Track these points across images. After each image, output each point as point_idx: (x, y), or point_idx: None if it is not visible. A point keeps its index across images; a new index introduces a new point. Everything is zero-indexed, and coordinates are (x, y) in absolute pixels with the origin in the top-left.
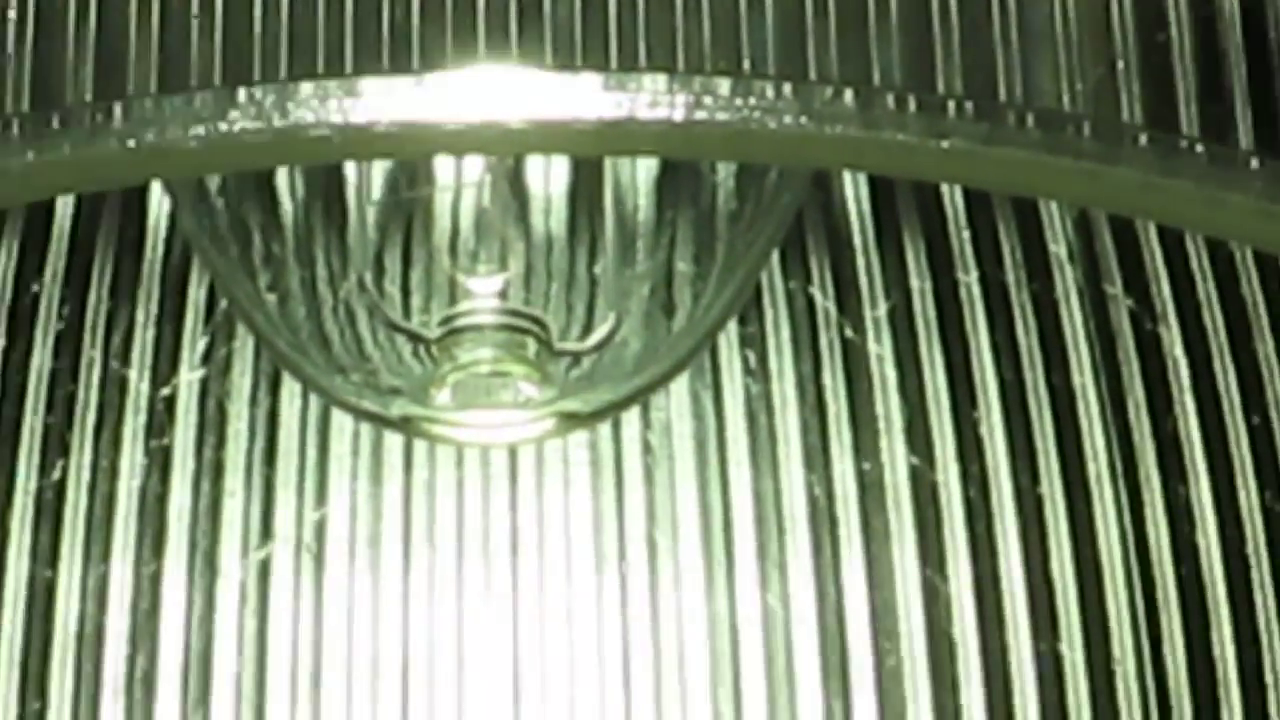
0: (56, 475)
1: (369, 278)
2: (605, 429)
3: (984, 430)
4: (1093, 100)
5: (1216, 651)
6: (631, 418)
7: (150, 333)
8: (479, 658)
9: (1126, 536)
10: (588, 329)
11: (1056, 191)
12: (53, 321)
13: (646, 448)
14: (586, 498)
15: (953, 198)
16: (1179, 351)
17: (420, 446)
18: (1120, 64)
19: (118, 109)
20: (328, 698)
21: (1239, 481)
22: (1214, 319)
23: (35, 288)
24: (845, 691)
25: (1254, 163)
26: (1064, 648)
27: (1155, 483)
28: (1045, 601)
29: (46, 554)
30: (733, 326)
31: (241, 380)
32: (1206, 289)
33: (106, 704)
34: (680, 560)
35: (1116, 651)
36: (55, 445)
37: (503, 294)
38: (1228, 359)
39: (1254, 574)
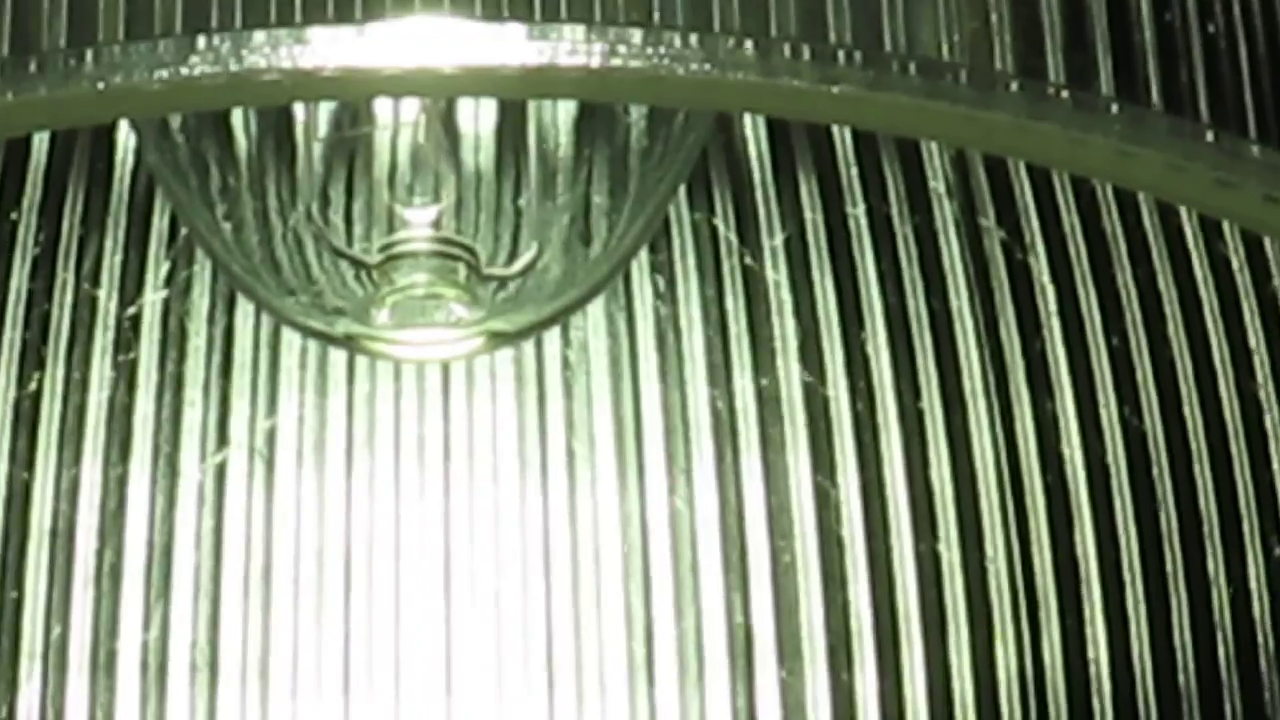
0: (32, 386)
1: (315, 208)
2: (529, 347)
3: (870, 350)
4: (968, 51)
5: (1079, 551)
6: (552, 337)
7: (118, 258)
8: (414, 552)
9: (998, 446)
10: (513, 256)
11: (936, 133)
12: (29, 247)
13: (566, 364)
14: (511, 409)
15: (842, 138)
16: (1046, 279)
17: (362, 362)
18: (993, 17)
19: (89, 54)
20: (277, 588)
21: (1099, 397)
22: (1078, 249)
23: (14, 216)
24: (744, 585)
25: (1113, 108)
26: (941, 547)
27: (1024, 398)
28: (925, 505)
29: (23, 457)
30: (644, 254)
31: (200, 301)
32: (1071, 222)
33: (77, 593)
34: (596, 466)
35: (989, 550)
36: (31, 359)
37: (436, 224)
38: (1090, 286)
39: (1113, 481)
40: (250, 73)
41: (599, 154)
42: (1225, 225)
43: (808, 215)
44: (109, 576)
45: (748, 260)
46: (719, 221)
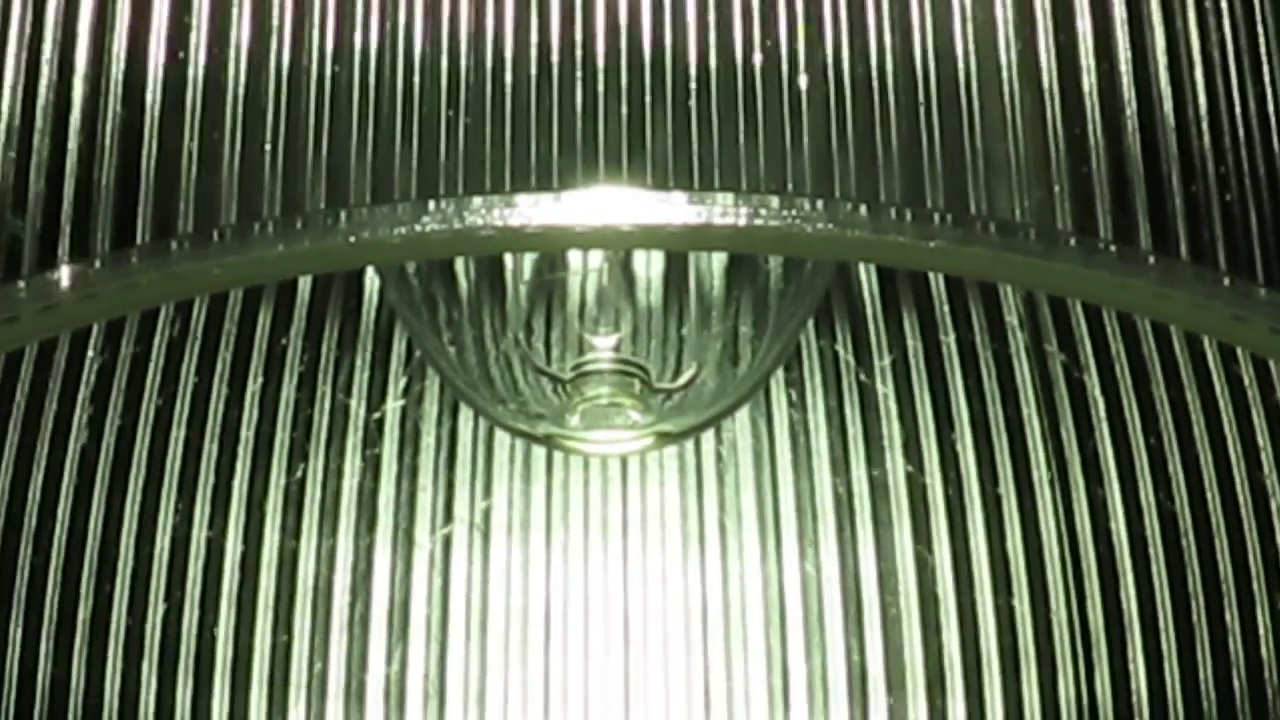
0: (299, 475)
1: (521, 336)
2: (690, 444)
3: (958, 447)
4: (1036, 214)
5: (1124, 605)
6: (708, 436)
7: (365, 374)
8: (598, 608)
9: (1059, 522)
10: (677, 373)
11: (1010, 278)
12: (296, 366)
13: (719, 458)
14: (676, 495)
15: (937, 282)
16: (1097, 393)
17: (558, 456)
18: (1055, 188)
19: (342, 215)
20: (491, 634)
21: (1139, 484)
22: (1122, 369)
23: (284, 340)
24: (860, 631)
25: (1150, 259)
26: (1015, 601)
27: (1080, 485)
28: (1001, 568)
29: (291, 530)
30: (780, 372)
31: (430, 408)
32: (1117, 348)
33: (334, 638)
34: (742, 539)
35: (1052, 604)
36: (298, 454)
37: (616, 348)
38: (1132, 398)
39: (1150, 550)
40: (470, 230)
41: (745, 294)
42: (1239, 351)
43: (909, 342)
44: (359, 624)
45: (862, 377)
46: (839, 347)
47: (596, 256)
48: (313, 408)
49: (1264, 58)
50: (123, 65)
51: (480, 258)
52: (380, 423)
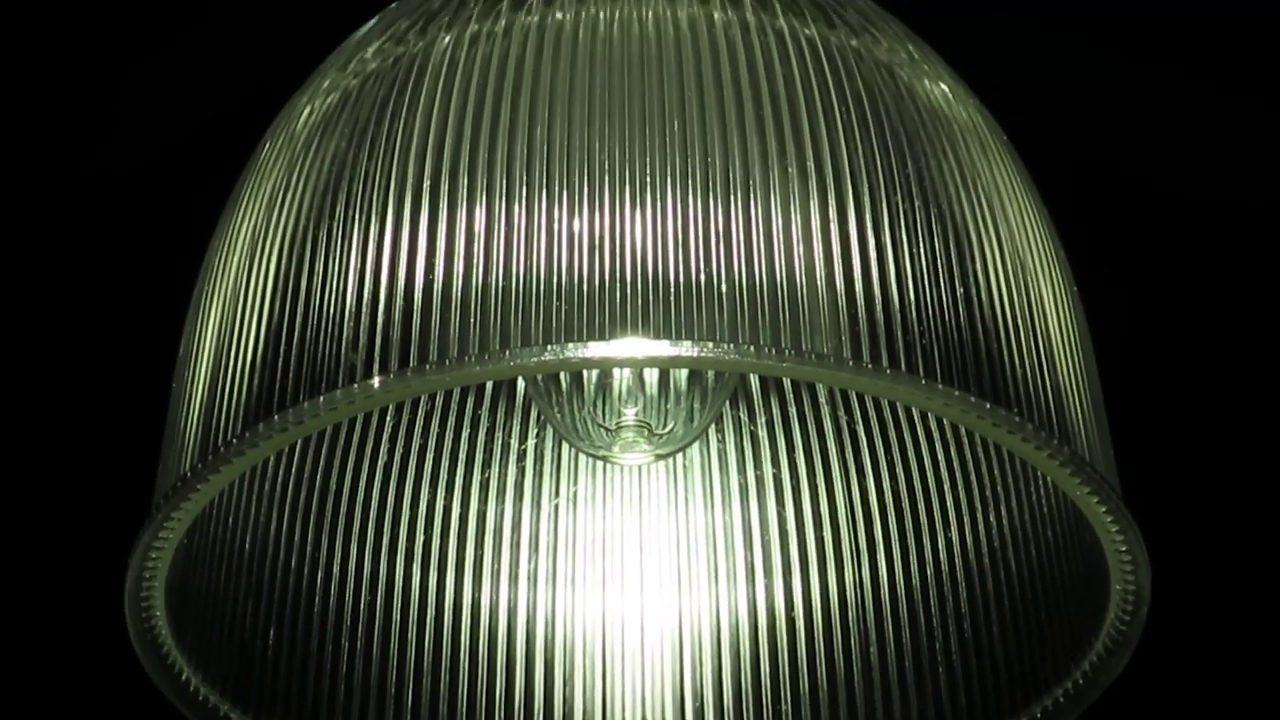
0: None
1: (590, 409)
2: (672, 460)
3: (800, 456)
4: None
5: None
6: (678, 456)
7: (517, 427)
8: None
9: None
10: (664, 426)
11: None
12: (484, 422)
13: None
14: (663, 475)
15: (790, 383)
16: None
17: (608, 466)
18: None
19: (507, 353)
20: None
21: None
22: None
23: (480, 415)
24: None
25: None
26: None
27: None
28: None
29: (495, 495)
30: (712, 426)
31: (548, 446)
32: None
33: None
34: (690, 495)
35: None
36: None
37: (636, 415)
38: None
39: None
40: (567, 360)
41: (696, 388)
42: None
43: (775, 410)
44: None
45: (752, 428)
46: (740, 413)
47: (626, 371)
48: (494, 455)
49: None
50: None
51: (574, 373)
52: (523, 456)
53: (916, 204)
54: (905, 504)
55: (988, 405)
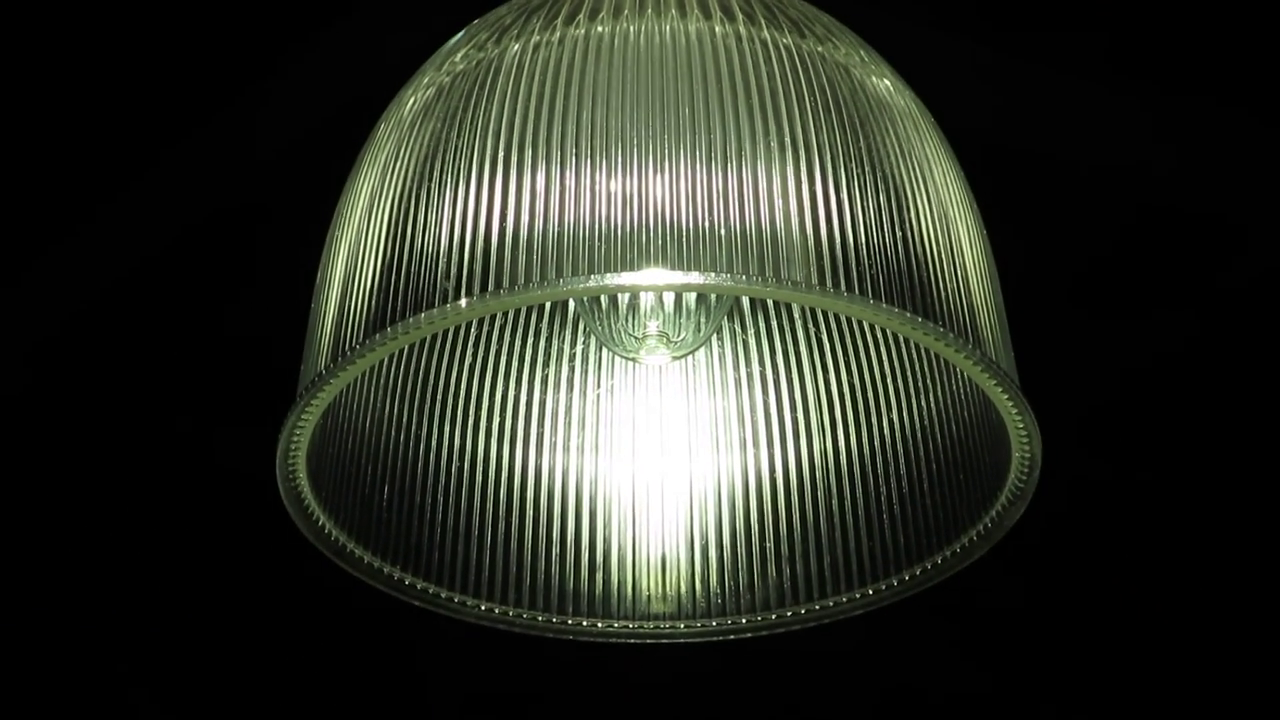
0: (555, 376)
1: (624, 322)
2: (684, 361)
3: (780, 355)
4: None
5: None
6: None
7: (565, 339)
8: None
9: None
10: (679, 335)
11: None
12: (545, 333)
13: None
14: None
15: (771, 305)
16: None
17: (637, 366)
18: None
19: (562, 280)
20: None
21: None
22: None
23: (539, 329)
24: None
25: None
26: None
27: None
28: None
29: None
30: (714, 335)
31: (593, 350)
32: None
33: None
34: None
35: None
36: (543, 372)
37: (659, 327)
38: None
39: None
40: (607, 285)
41: (701, 306)
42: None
43: (761, 324)
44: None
45: (744, 337)
46: (736, 327)
47: (650, 294)
48: (551, 356)
49: None
50: None
51: (611, 295)
52: (573, 357)
53: (866, 170)
54: (858, 392)
55: (920, 319)
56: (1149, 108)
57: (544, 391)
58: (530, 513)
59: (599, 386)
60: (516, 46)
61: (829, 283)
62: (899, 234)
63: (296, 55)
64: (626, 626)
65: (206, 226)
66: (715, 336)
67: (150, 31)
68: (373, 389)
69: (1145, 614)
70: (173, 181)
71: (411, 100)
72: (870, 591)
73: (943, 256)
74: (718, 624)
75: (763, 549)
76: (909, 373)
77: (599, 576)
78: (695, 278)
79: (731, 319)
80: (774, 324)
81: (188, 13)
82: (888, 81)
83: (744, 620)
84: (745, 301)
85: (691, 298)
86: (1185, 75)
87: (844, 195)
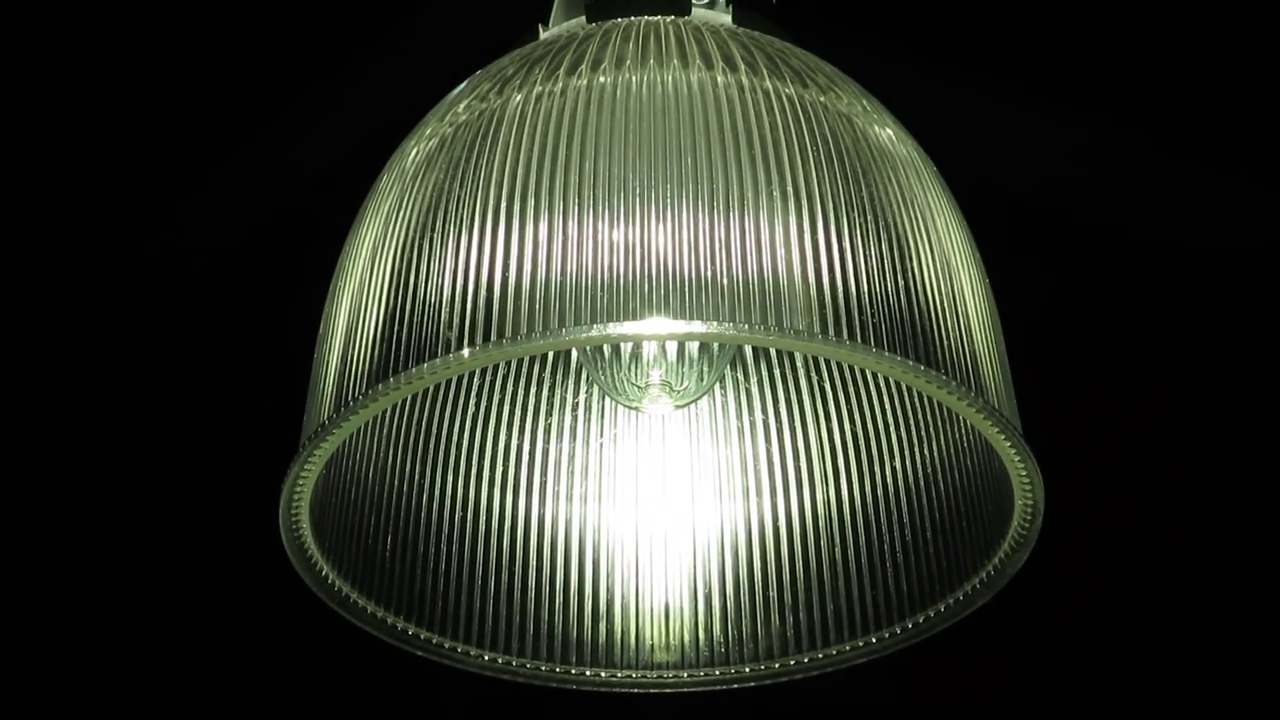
0: (554, 427)
1: (626, 371)
2: (686, 410)
3: (783, 402)
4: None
5: None
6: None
7: (569, 390)
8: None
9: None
10: (681, 384)
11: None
12: (546, 382)
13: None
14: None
15: (773, 353)
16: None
17: (639, 415)
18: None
19: (563, 330)
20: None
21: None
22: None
23: (544, 379)
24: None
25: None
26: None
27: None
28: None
29: (553, 436)
30: (716, 384)
31: (594, 400)
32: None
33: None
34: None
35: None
36: (547, 423)
37: (661, 375)
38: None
39: None
40: (608, 335)
41: (703, 355)
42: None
43: (763, 373)
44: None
45: (747, 387)
46: (739, 375)
47: (653, 344)
48: (554, 405)
49: None
50: None
51: (614, 344)
52: (576, 406)
53: (869, 218)
54: (861, 441)
55: (922, 367)
56: (1161, 154)
57: (547, 440)
58: (533, 562)
59: (602, 435)
60: (519, 97)
61: (831, 331)
62: (901, 282)
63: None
64: (630, 676)
65: (201, 280)
66: (718, 385)
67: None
68: (376, 439)
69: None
70: (177, 228)
71: (414, 151)
72: (874, 639)
73: (945, 305)
74: (721, 673)
75: (766, 597)
76: (912, 421)
77: (602, 625)
78: (698, 327)
79: (734, 368)
80: (777, 372)
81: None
82: (890, 131)
83: (748, 669)
84: (748, 350)
85: (694, 346)
86: (1191, 112)
87: (846, 244)
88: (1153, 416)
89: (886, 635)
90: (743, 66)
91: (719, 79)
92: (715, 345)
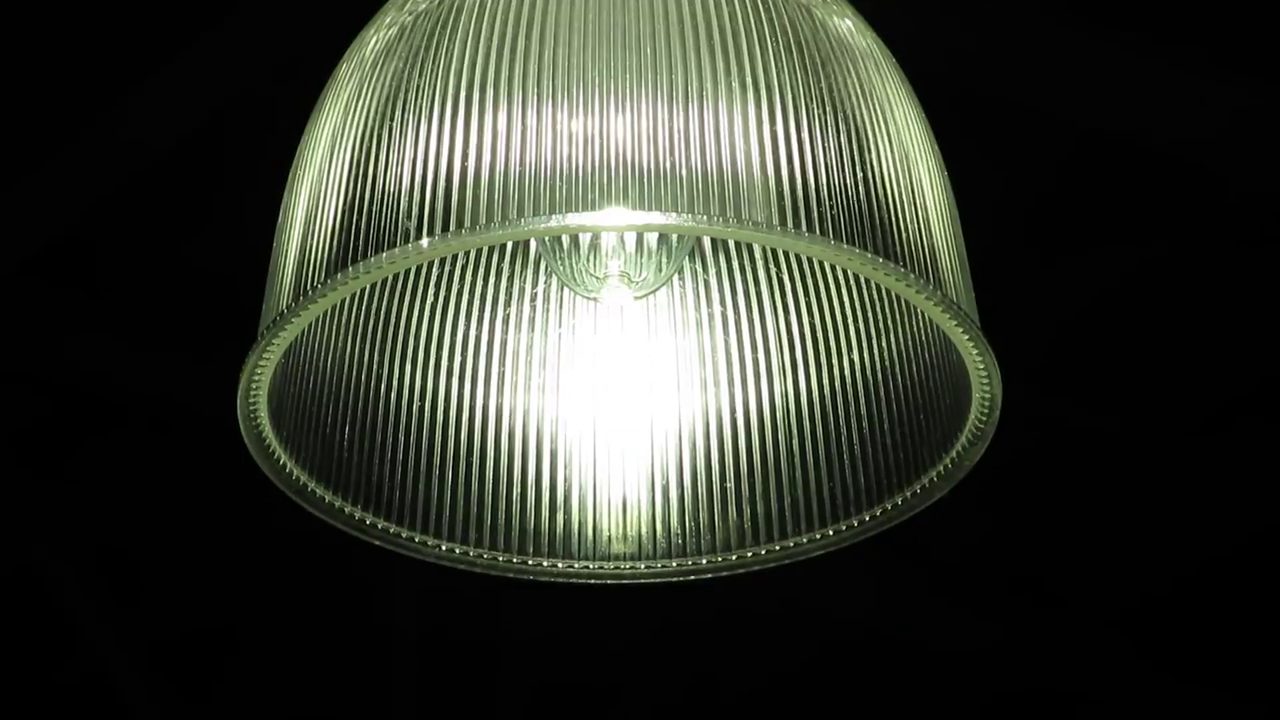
0: (509, 313)
1: (586, 261)
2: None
3: (750, 297)
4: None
5: None
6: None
7: (528, 278)
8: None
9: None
10: (639, 275)
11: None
12: (506, 272)
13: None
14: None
15: (728, 244)
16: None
17: (595, 304)
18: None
19: (523, 221)
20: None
21: None
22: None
23: (499, 266)
24: None
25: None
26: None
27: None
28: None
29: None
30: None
31: (555, 289)
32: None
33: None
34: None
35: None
36: (501, 309)
37: (621, 266)
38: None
39: None
40: (570, 226)
41: (662, 246)
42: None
43: (720, 264)
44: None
45: (703, 276)
46: (697, 267)
47: (612, 234)
48: (513, 295)
49: None
50: None
51: (572, 235)
52: (534, 297)
53: (828, 110)
54: (819, 333)
55: (880, 259)
56: (1110, 48)
57: (505, 331)
58: (491, 453)
59: (560, 326)
60: None
61: (790, 223)
62: (860, 174)
63: None
64: (587, 567)
65: (170, 161)
66: (676, 276)
67: None
68: (334, 329)
69: (1101, 545)
70: (137, 115)
71: (374, 39)
72: (831, 532)
73: (903, 197)
74: (678, 564)
75: (723, 489)
76: (870, 313)
77: (560, 517)
78: (656, 218)
79: (693, 259)
80: (735, 264)
81: None
82: (849, 22)
83: (704, 560)
84: (706, 241)
85: (653, 238)
86: (1136, 14)
87: (805, 135)
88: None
89: (844, 528)
90: None
91: None
92: (674, 236)
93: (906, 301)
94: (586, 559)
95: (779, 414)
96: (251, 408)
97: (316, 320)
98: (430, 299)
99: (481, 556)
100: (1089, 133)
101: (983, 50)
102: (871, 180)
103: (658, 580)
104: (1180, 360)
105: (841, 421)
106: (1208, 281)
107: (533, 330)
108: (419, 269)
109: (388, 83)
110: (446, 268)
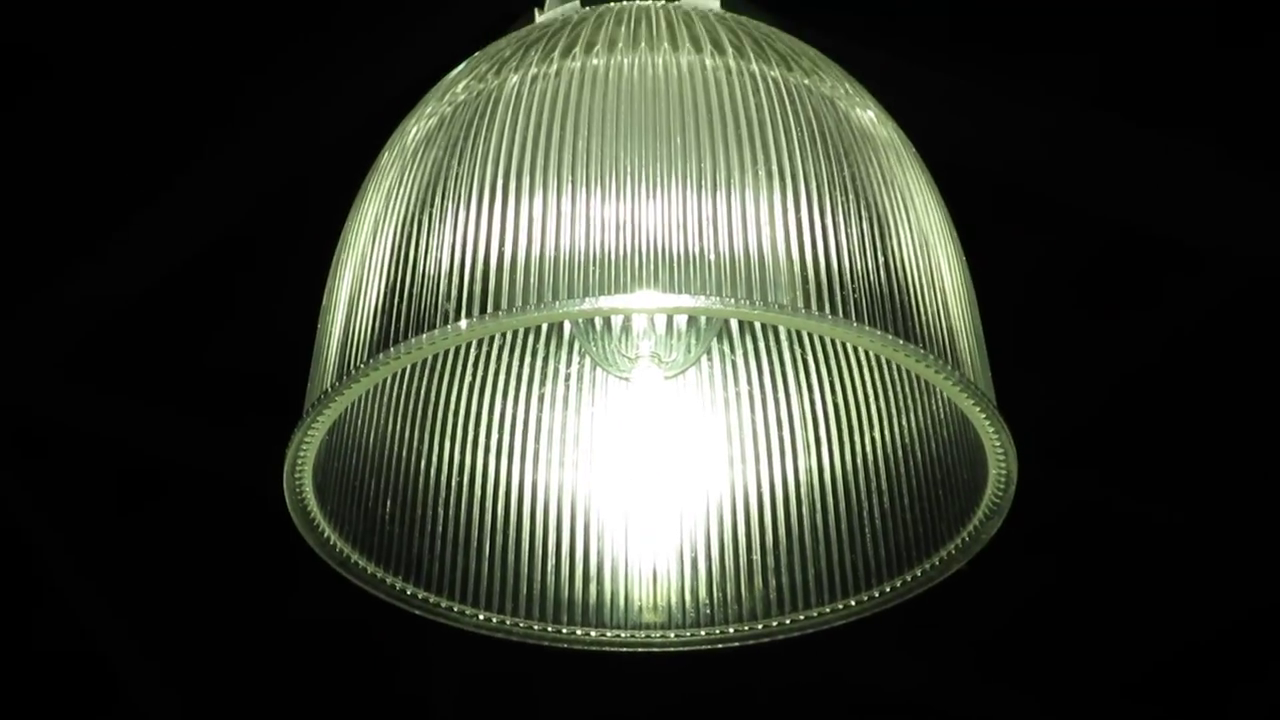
0: (554, 395)
1: (618, 343)
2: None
3: (775, 372)
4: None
5: None
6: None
7: (562, 361)
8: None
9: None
10: (669, 356)
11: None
12: (542, 351)
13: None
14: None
15: (757, 327)
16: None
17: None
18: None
19: (558, 303)
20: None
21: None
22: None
23: (537, 352)
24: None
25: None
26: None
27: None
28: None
29: (547, 402)
30: (704, 356)
31: (588, 370)
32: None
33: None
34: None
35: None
36: (543, 388)
37: (651, 348)
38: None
39: None
40: (601, 308)
41: (691, 329)
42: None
43: (749, 346)
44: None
45: (732, 358)
46: (725, 348)
47: (643, 316)
48: (548, 375)
49: None
50: None
51: (605, 317)
52: (568, 377)
53: (850, 197)
54: (841, 412)
55: (901, 341)
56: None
57: (541, 409)
58: (526, 526)
59: (593, 405)
60: (515, 78)
61: (814, 306)
62: (881, 259)
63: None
64: (619, 635)
65: (207, 257)
66: (705, 357)
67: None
68: (376, 406)
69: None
70: (173, 211)
71: (415, 129)
72: (853, 602)
73: (923, 280)
74: (706, 633)
75: (750, 561)
76: (890, 392)
77: (593, 587)
78: (686, 300)
79: (720, 340)
80: (761, 345)
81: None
82: (871, 113)
83: (732, 630)
84: (734, 323)
85: (682, 320)
86: (1163, 106)
87: (829, 222)
88: None
89: (865, 598)
90: (730, 50)
91: (707, 62)
92: (703, 319)
93: (926, 381)
94: (618, 628)
95: (803, 489)
96: (297, 482)
97: (359, 399)
98: (469, 378)
99: (517, 625)
100: (1118, 221)
101: (989, 140)
102: (893, 265)
103: (687, 649)
104: (1210, 447)
105: (863, 496)
106: (1236, 371)
107: (567, 408)
108: (458, 349)
109: (428, 170)
110: (484, 348)
